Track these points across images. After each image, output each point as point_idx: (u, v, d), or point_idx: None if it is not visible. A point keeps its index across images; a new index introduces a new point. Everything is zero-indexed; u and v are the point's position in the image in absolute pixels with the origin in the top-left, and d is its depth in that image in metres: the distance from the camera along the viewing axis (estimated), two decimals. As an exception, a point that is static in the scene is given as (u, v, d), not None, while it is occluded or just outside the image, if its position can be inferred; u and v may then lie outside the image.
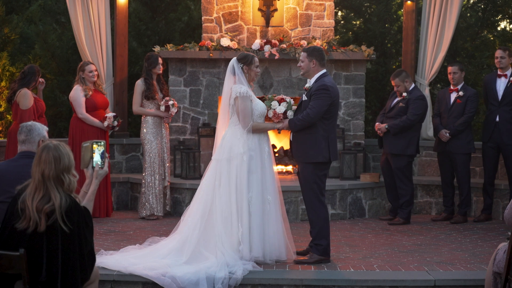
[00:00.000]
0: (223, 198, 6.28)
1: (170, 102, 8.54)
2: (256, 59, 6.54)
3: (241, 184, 6.27)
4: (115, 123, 8.59)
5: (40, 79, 8.62)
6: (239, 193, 6.27)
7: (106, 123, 8.54)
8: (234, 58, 6.51)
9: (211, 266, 5.90)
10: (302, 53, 6.57)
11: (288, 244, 6.48)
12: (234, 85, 6.41)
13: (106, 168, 4.65)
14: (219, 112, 6.62)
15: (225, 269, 5.87)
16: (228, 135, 6.43)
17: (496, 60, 8.60)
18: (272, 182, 6.45)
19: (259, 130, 6.44)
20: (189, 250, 6.12)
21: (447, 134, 8.53)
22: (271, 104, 6.60)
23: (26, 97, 8.24)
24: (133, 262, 6.03)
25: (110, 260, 6.09)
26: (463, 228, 8.30)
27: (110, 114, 8.59)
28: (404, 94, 8.56)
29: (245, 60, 6.47)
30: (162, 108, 8.55)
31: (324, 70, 6.49)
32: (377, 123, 8.71)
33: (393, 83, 8.64)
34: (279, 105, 6.58)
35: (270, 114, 6.61)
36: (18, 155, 5.13)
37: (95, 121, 8.57)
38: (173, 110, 8.61)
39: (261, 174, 6.37)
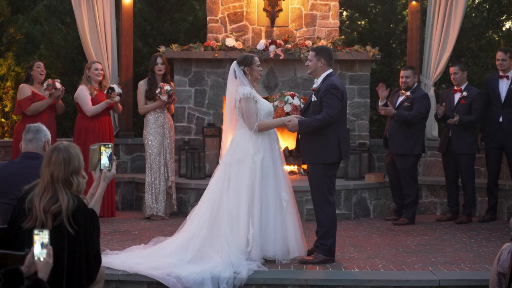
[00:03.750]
0: (231, 200, 6.29)
1: (166, 87, 8.45)
2: (256, 58, 6.55)
3: (254, 186, 6.28)
4: (117, 91, 8.55)
5: (59, 86, 8.57)
6: (251, 194, 6.27)
7: (111, 97, 8.52)
8: (235, 62, 6.53)
9: (216, 266, 5.91)
10: (310, 52, 6.59)
11: (303, 240, 6.55)
12: (238, 87, 6.44)
13: (113, 170, 4.66)
14: (225, 116, 6.63)
15: (230, 269, 5.89)
16: (237, 138, 6.44)
17: (497, 62, 8.58)
18: (286, 180, 6.48)
19: (267, 128, 6.44)
20: (195, 248, 6.14)
21: (455, 118, 8.39)
22: (287, 99, 6.61)
23: (21, 90, 8.60)
24: (138, 261, 6.05)
25: (115, 260, 6.11)
26: (468, 228, 8.30)
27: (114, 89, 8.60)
28: (408, 93, 8.57)
29: (245, 62, 6.48)
30: (164, 97, 8.47)
31: (331, 70, 6.51)
32: (380, 105, 8.65)
33: (402, 73, 8.61)
34: (293, 99, 6.62)
35: (288, 108, 6.61)
36: (21, 155, 5.09)
37: (102, 104, 8.57)
38: (164, 98, 8.47)
39: (274, 174, 6.39)
